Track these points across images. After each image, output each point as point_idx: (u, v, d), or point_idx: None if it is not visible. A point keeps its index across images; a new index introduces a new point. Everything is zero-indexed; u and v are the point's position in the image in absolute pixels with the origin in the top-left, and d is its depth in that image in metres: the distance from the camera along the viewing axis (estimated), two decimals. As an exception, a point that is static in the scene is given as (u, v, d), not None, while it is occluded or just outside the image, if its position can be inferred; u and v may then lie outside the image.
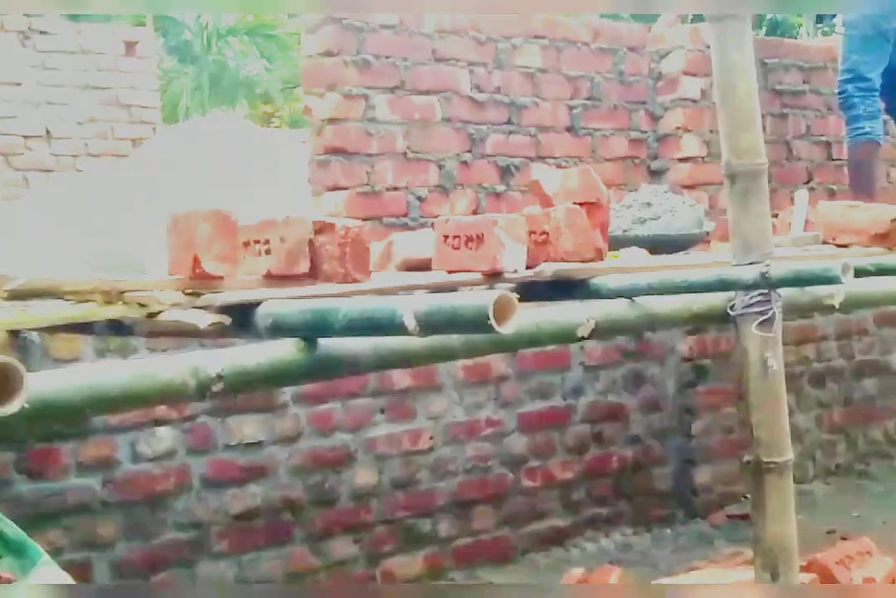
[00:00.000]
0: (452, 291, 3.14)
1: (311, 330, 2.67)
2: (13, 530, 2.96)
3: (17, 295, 2.84)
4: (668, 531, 4.88)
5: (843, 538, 4.35)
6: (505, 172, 4.76)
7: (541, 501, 4.64)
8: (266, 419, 3.97)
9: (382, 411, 4.26)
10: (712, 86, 3.47)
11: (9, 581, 2.81)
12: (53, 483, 3.52)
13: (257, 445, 3.94)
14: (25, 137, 8.35)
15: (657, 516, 4.96)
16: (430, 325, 2.46)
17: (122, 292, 2.87)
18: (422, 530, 4.31)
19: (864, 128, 5.02)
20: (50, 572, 2.83)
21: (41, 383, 2.08)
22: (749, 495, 3.42)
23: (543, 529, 4.63)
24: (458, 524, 4.40)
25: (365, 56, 4.41)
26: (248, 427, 3.92)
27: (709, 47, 3.53)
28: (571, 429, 4.76)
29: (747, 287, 3.27)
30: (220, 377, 2.52)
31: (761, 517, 3.31)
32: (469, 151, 4.67)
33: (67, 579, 2.82)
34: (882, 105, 5.22)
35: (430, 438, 4.36)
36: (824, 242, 4.10)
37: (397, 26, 4.50)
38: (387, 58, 4.46)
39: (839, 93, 5.11)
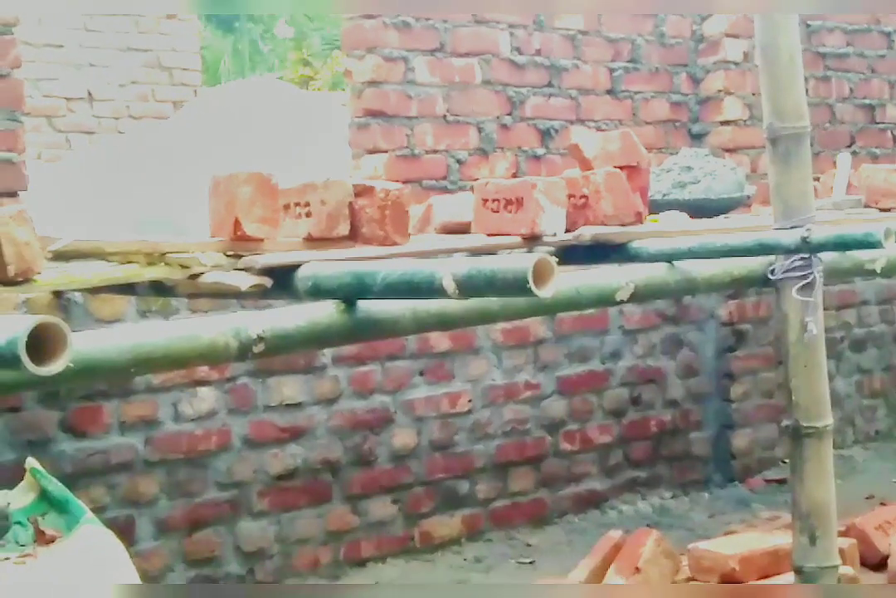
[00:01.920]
0: (491, 254, 3.16)
1: (350, 292, 2.69)
2: (57, 487, 3.02)
3: (61, 256, 2.87)
4: (706, 494, 4.91)
5: (883, 504, 4.34)
6: (545, 135, 4.75)
7: (578, 464, 4.67)
8: (306, 380, 4.01)
9: (421, 373, 4.29)
10: (754, 48, 3.45)
11: (53, 538, 2.87)
12: (96, 442, 3.56)
13: (297, 406, 3.98)
14: (67, 99, 8.39)
15: (694, 479, 4.98)
16: (468, 288, 2.48)
17: (164, 254, 2.90)
18: (460, 491, 4.34)
19: None
20: (93, 528, 2.89)
21: (85, 343, 2.11)
22: (787, 460, 3.43)
23: (581, 491, 4.66)
24: (495, 485, 4.43)
25: (405, 18, 4.41)
26: (287, 388, 3.96)
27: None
28: (609, 392, 4.78)
29: (788, 251, 3.26)
30: (260, 339, 2.55)
31: (800, 481, 3.31)
32: (509, 114, 4.67)
33: (110, 535, 2.87)
34: None
35: (469, 400, 4.39)
36: (866, 206, 4.08)
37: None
38: (427, 19, 4.45)
39: None
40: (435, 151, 4.46)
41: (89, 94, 8.51)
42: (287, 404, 3.95)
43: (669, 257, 3.30)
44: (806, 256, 3.26)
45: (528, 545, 4.33)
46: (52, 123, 8.19)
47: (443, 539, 4.27)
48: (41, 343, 1.87)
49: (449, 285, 2.48)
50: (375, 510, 4.13)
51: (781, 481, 4.81)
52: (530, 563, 4.13)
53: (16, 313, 2.68)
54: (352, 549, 4.06)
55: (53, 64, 8.31)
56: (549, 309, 3.48)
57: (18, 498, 2.98)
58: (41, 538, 2.85)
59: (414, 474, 4.23)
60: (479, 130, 4.58)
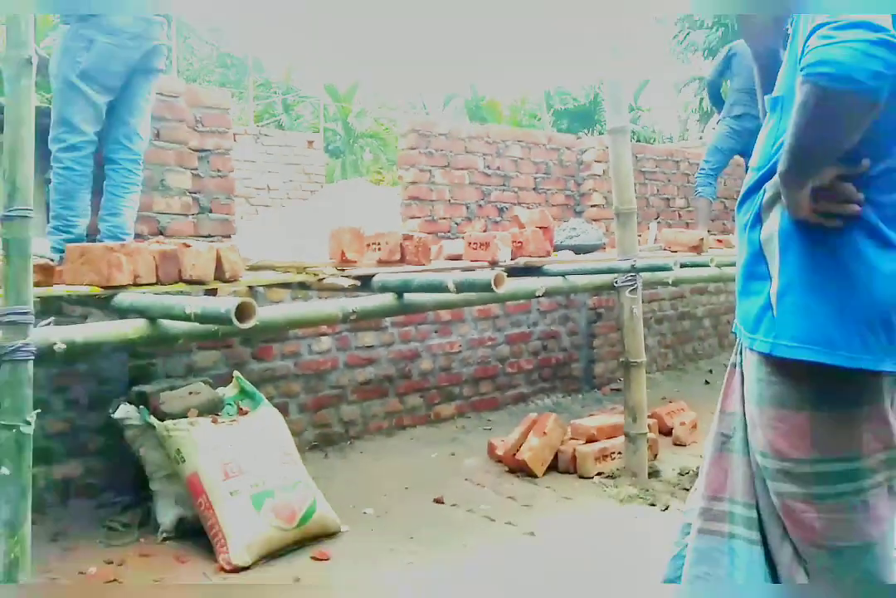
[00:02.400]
0: (472, 270, 3.18)
1: (400, 289, 2.72)
2: (248, 385, 3.04)
3: (253, 268, 2.90)
4: (580, 396, 4.91)
5: (670, 402, 4.37)
6: (500, 211, 4.75)
7: (515, 379, 4.67)
8: (377, 334, 4.01)
9: (436, 331, 4.30)
10: (609, 168, 3.48)
11: (246, 412, 2.88)
12: (269, 364, 3.58)
13: (371, 347, 3.99)
14: (257, 188, 8.42)
15: (574, 388, 4.98)
16: (461, 287, 2.51)
17: (306, 267, 2.92)
18: (454, 392, 4.35)
19: (699, 190, 4.98)
20: (267, 408, 2.91)
21: (264, 313, 2.14)
22: (622, 379, 3.45)
23: (515, 393, 4.66)
24: (472, 389, 4.45)
25: (430, 149, 4.42)
26: (367, 338, 3.97)
27: (607, 147, 3.53)
28: (532, 343, 4.78)
29: (624, 272, 3.29)
30: (354, 312, 2.58)
31: (628, 390, 3.34)
32: (482, 200, 4.66)
33: (276, 411, 2.89)
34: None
35: (459, 346, 4.41)
36: (664, 249, 4.10)
37: (448, 134, 4.50)
38: (441, 150, 4.46)
39: (698, 175, 5.04)
40: (444, 218, 4.46)
41: (267, 186, 8.53)
42: (366, 346, 3.97)
43: (563, 274, 3.33)
44: (633, 274, 3.29)
45: (489, 420, 4.34)
46: (249, 201, 8.22)
47: (446, 417, 4.28)
48: (243, 312, 1.91)
49: (451, 286, 2.51)
50: (411, 401, 4.15)
51: (618, 390, 4.83)
52: (489, 429, 4.14)
53: (229, 296, 2.70)
54: (398, 421, 4.07)
55: (250, 171, 8.34)
56: (502, 299, 3.51)
57: (229, 392, 3.02)
58: (241, 412, 2.87)
59: (431, 383, 4.25)
60: (467, 207, 4.57)
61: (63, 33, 2.84)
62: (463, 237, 3.55)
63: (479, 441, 3.77)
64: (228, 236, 3.49)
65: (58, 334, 1.93)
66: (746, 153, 4.89)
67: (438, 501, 3.00)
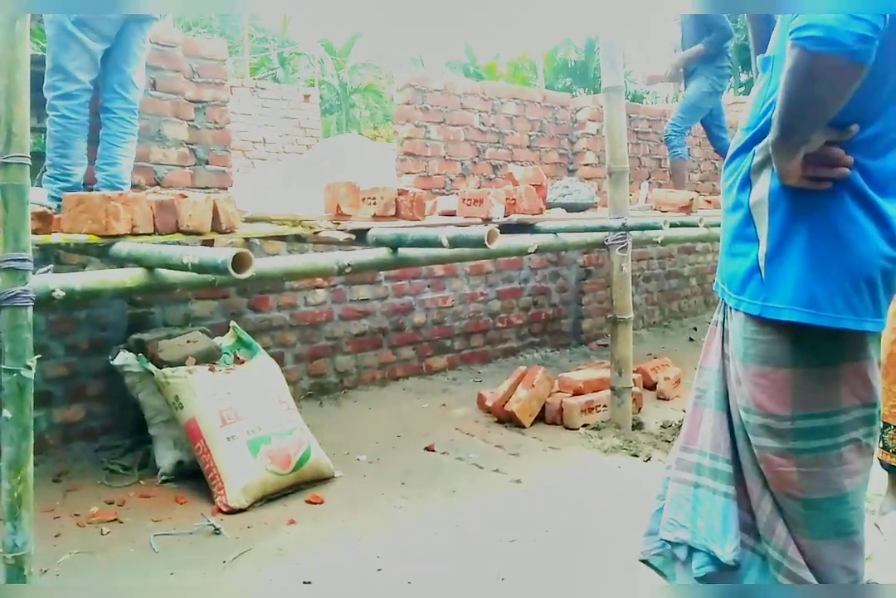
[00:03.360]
0: (466, 226, 3.15)
1: (394, 244, 2.69)
2: (245, 336, 3.03)
3: (249, 219, 2.86)
4: (567, 351, 4.94)
5: (655, 358, 4.40)
6: (495, 168, 4.68)
7: (505, 334, 4.69)
8: (371, 287, 4.01)
9: (429, 286, 4.29)
10: (603, 127, 3.42)
11: (243, 361, 2.88)
12: (265, 314, 3.58)
13: (366, 300, 3.99)
14: (253, 142, 8.25)
15: (562, 343, 5.01)
16: (454, 243, 2.49)
17: (301, 220, 2.88)
18: (446, 345, 4.37)
19: (677, 152, 4.89)
20: (263, 357, 2.91)
21: (260, 264, 2.12)
22: (609, 335, 3.46)
23: (506, 347, 4.68)
24: (464, 342, 4.47)
25: (426, 105, 4.32)
26: (361, 291, 3.96)
27: (601, 107, 3.47)
28: (522, 299, 4.79)
29: (615, 230, 3.26)
30: (349, 265, 2.55)
31: (615, 345, 3.36)
32: (477, 156, 4.59)
33: (272, 361, 2.90)
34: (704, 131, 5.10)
35: (452, 300, 4.41)
36: (655, 209, 4.07)
37: (443, 89, 4.40)
38: (436, 106, 4.37)
39: (666, 135, 4.92)
40: (439, 174, 4.40)
41: (263, 140, 8.36)
42: (361, 299, 3.97)
43: (555, 231, 3.30)
44: (623, 233, 3.27)
45: (479, 373, 4.37)
46: (245, 154, 8.06)
47: (437, 369, 4.31)
48: (239, 263, 1.89)
49: (445, 241, 2.48)
50: (404, 353, 4.17)
51: (605, 345, 4.86)
52: (479, 382, 4.17)
53: (226, 247, 2.67)
54: (391, 372, 4.10)
55: (246, 124, 8.16)
56: (495, 255, 3.47)
57: (226, 341, 3.01)
58: (237, 361, 2.88)
59: (423, 336, 4.26)
60: (461, 163, 4.51)
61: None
62: (457, 194, 3.50)
63: (469, 393, 3.80)
64: (225, 188, 3.44)
65: (56, 282, 1.90)
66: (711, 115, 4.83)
67: (429, 448, 3.04)
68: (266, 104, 8.46)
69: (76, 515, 2.35)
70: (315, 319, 3.75)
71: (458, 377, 4.23)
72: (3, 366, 1.80)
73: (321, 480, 2.65)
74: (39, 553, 1.80)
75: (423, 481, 2.71)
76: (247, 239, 3.17)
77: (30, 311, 1.82)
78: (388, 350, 4.08)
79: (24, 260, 1.81)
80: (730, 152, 1.34)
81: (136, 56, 2.94)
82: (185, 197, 2.44)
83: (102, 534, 2.24)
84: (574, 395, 3.47)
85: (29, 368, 1.81)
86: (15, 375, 1.79)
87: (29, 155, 1.82)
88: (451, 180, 4.45)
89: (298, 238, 2.93)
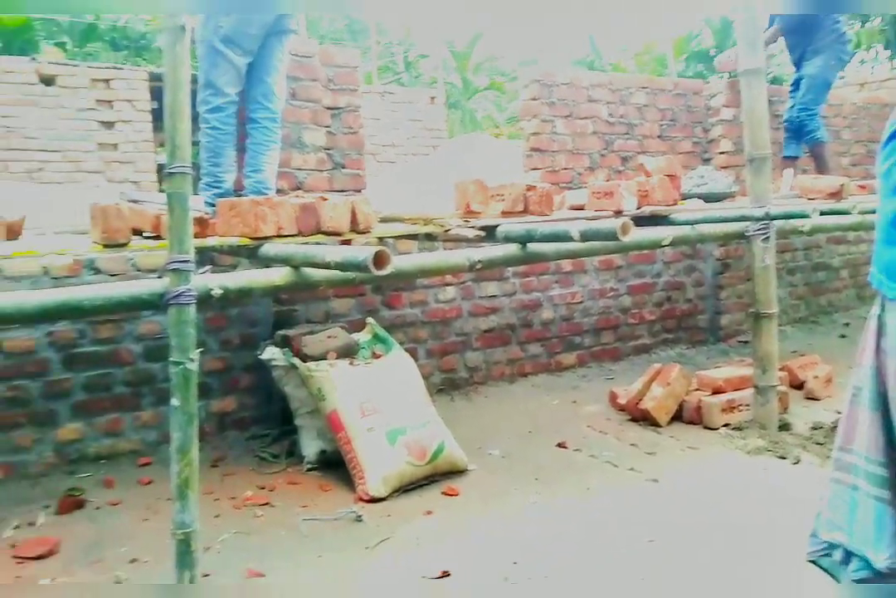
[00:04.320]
0: (596, 220, 3.09)
1: (524, 239, 2.69)
2: (381, 331, 3.13)
3: (382, 220, 2.96)
4: (705, 348, 4.74)
5: (802, 355, 4.14)
6: (624, 160, 4.56)
7: (637, 330, 4.56)
8: (499, 284, 4.02)
9: (557, 281, 4.25)
10: (740, 113, 3.25)
11: (379, 356, 2.99)
12: (398, 311, 3.68)
13: (494, 297, 4.00)
14: (382, 145, 8.51)
15: (699, 340, 4.80)
16: (585, 236, 2.45)
17: (432, 219, 2.94)
18: (575, 341, 4.31)
19: (815, 135, 4.58)
20: (399, 352, 3.00)
21: (397, 261, 2.18)
22: (751, 331, 3.29)
23: (638, 344, 4.56)
24: (594, 339, 4.38)
25: (553, 99, 4.29)
26: (490, 287, 3.99)
27: (738, 92, 3.30)
28: (655, 294, 4.63)
29: (757, 220, 3.10)
30: (479, 261, 2.58)
31: (758, 341, 3.19)
32: (605, 149, 4.49)
33: (407, 356, 2.98)
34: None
35: (581, 296, 4.34)
36: (800, 197, 3.82)
37: (570, 83, 4.35)
38: (563, 100, 4.32)
39: (798, 120, 4.66)
40: (566, 169, 4.35)
41: (392, 143, 8.60)
42: (490, 296, 3.99)
43: (691, 222, 3.18)
44: (766, 223, 3.10)
45: (610, 370, 4.28)
46: (375, 157, 8.32)
47: (567, 366, 4.26)
48: (379, 260, 1.96)
49: (576, 236, 2.46)
50: (532, 349, 4.15)
51: (746, 342, 4.63)
52: (611, 379, 4.09)
53: (364, 245, 2.78)
54: (520, 368, 4.10)
55: (375, 128, 8.42)
56: (626, 248, 3.40)
57: (363, 337, 3.13)
58: (374, 356, 2.98)
59: (552, 332, 4.23)
60: (589, 157, 4.43)
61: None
62: (586, 187, 3.45)
63: (601, 390, 3.74)
64: (359, 191, 3.57)
65: (215, 281, 2.06)
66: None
67: (561, 445, 3.02)
68: (393, 108, 8.71)
69: (232, 498, 2.53)
70: (445, 315, 3.82)
71: (587, 374, 4.16)
72: (170, 359, 1.97)
73: (455, 472, 2.70)
74: (202, 532, 1.96)
75: (557, 477, 2.69)
76: (381, 238, 3.29)
77: (193, 308, 1.98)
78: (516, 346, 4.08)
79: (187, 261, 1.98)
80: (885, 134, 1.24)
81: (276, 68, 3.11)
82: (326, 200, 2.56)
83: (256, 516, 2.40)
84: (713, 393, 3.33)
85: (192, 360, 1.97)
86: (181, 367, 1.96)
87: (190, 165, 1.99)
88: (579, 174, 4.38)
89: (429, 237, 3.00)
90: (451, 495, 2.54)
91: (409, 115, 8.84)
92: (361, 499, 2.50)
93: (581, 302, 4.33)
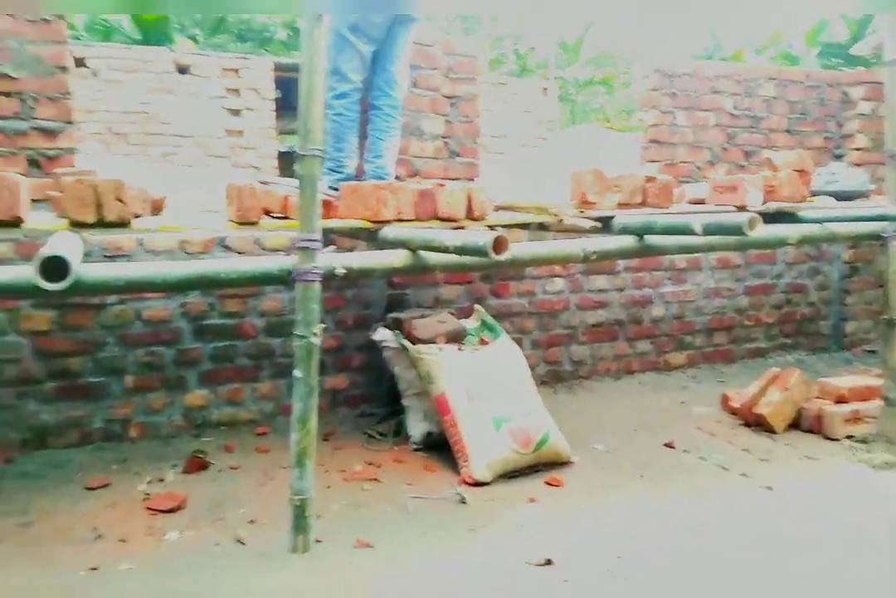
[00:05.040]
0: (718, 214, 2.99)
1: (642, 231, 2.64)
2: (489, 318, 3.16)
3: (498, 208, 2.97)
4: (826, 355, 4.49)
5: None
6: (748, 155, 4.37)
7: (753, 333, 4.38)
8: (609, 278, 3.96)
9: (670, 278, 4.15)
10: (880, 107, 3.03)
11: (487, 342, 3.01)
12: (505, 301, 3.70)
13: (604, 290, 3.95)
14: (493, 136, 8.51)
15: (820, 346, 4.56)
16: (708, 230, 2.38)
17: (546, 208, 2.93)
18: (686, 341, 4.19)
19: None
20: (505, 340, 3.01)
21: (513, 249, 2.19)
22: (881, 339, 3.09)
23: (752, 347, 4.38)
24: (706, 339, 4.25)
25: (674, 90, 4.16)
26: (599, 281, 3.94)
27: (880, 83, 3.08)
28: (774, 296, 4.43)
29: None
30: (594, 252, 2.56)
31: (889, 351, 2.99)
32: (727, 142, 4.32)
33: (514, 344, 2.99)
34: None
35: (694, 294, 4.21)
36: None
37: (693, 73, 4.21)
38: (685, 91, 4.18)
39: None
40: (685, 162, 4.22)
41: (504, 134, 8.59)
42: (599, 290, 3.94)
43: (822, 221, 3.01)
44: (910, 222, 2.89)
45: (722, 373, 4.14)
46: (486, 149, 8.33)
47: (676, 365, 4.15)
48: (497, 246, 1.98)
49: (698, 229, 2.39)
50: (640, 347, 4.07)
51: (873, 351, 4.34)
52: (722, 382, 3.95)
53: (479, 230, 2.80)
54: (627, 365, 4.03)
55: (487, 118, 8.43)
56: (749, 245, 3.25)
57: (470, 324, 3.17)
58: (481, 342, 3.01)
59: (662, 330, 4.13)
60: (710, 150, 4.28)
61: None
62: (706, 181, 3.33)
63: (711, 392, 3.62)
64: (472, 179, 3.60)
65: (339, 260, 2.15)
66: None
67: (669, 445, 2.95)
68: (505, 99, 8.69)
69: (342, 471, 2.63)
70: (553, 307, 3.80)
71: (697, 375, 4.04)
72: (295, 333, 2.07)
73: (559, 463, 2.69)
74: (314, 500, 2.05)
75: (663, 476, 2.63)
76: (490, 227, 3.31)
77: (318, 285, 2.07)
78: (624, 342, 4.01)
79: (315, 240, 2.07)
80: None
81: (400, 56, 3.18)
82: (444, 186, 2.60)
83: (364, 490, 2.48)
84: (836, 402, 3.15)
85: (315, 335, 2.07)
86: (305, 340, 2.06)
87: (321, 147, 2.07)
88: (699, 168, 4.24)
89: (542, 226, 2.98)
90: (555, 485, 2.54)
91: (521, 106, 8.80)
92: (465, 482, 2.53)
93: (694, 301, 4.20)
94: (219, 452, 2.81)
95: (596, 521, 2.25)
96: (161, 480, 2.56)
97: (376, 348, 3.06)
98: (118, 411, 2.91)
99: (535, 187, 4.73)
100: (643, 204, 3.01)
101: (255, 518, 2.26)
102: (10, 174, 2.00)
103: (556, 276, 3.81)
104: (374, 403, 3.27)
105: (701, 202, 3.28)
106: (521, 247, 2.57)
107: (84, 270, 1.77)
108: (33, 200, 2.16)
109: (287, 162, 7.09)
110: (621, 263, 3.95)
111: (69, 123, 2.79)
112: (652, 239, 2.69)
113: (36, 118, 2.73)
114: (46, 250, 1.63)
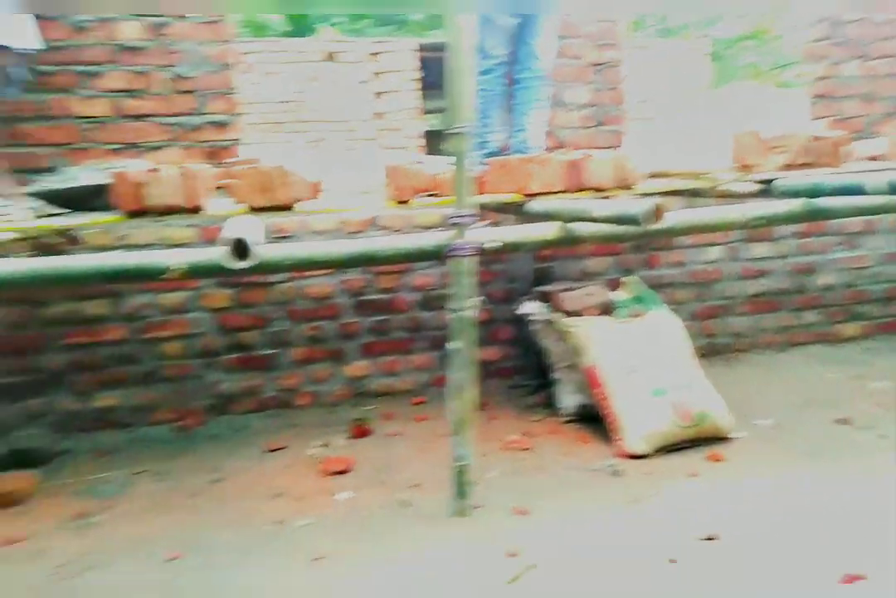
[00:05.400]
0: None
1: (810, 194, 2.47)
2: (644, 289, 3.07)
3: (651, 175, 2.88)
4: None
5: None
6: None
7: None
8: (771, 245, 3.71)
9: (840, 243, 3.83)
10: None
11: (638, 314, 2.94)
12: (657, 271, 3.54)
13: (765, 258, 3.70)
14: (639, 101, 8.12)
15: None
16: (893, 189, 2.18)
17: (700, 174, 2.81)
18: (859, 310, 3.84)
19: None
20: (662, 311, 2.92)
21: (670, 216, 2.12)
22: None
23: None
24: (882, 309, 3.87)
25: (842, 39, 3.80)
26: (759, 248, 3.70)
27: None
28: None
29: None
30: (758, 219, 2.43)
31: None
32: (907, 92, 3.90)
33: (671, 315, 2.90)
34: None
35: (869, 260, 3.86)
36: None
37: (861, 19, 3.82)
38: (854, 39, 3.81)
39: None
40: (856, 117, 3.86)
41: (651, 99, 8.20)
42: (759, 258, 3.72)
43: None
44: None
45: (901, 345, 3.77)
46: (631, 114, 8.01)
47: (848, 337, 3.84)
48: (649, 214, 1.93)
49: (877, 188, 2.19)
50: (807, 317, 3.79)
51: None
52: (901, 354, 3.61)
53: (633, 198, 2.73)
54: (792, 337, 3.76)
55: (630, 82, 8.08)
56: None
57: (621, 295, 3.10)
58: (633, 314, 2.95)
59: (831, 300, 3.83)
60: (886, 102, 3.88)
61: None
62: (881, 136, 3.03)
63: (890, 366, 3.33)
64: (618, 147, 3.50)
65: (491, 234, 2.19)
66: None
67: (843, 421, 2.76)
68: (651, 62, 8.29)
69: (498, 440, 2.70)
70: (708, 277, 3.64)
71: (873, 348, 3.72)
72: (450, 307, 2.14)
73: (720, 438, 2.60)
74: (473, 467, 2.12)
75: (835, 454, 2.47)
76: (642, 195, 3.21)
77: (471, 260, 2.13)
78: (788, 313, 3.77)
79: (468, 216, 2.12)
80: None
81: (542, 28, 3.13)
82: (591, 156, 2.56)
83: (519, 460, 2.54)
84: None
85: (470, 308, 2.13)
86: (459, 314, 2.12)
87: (470, 124, 2.11)
88: (872, 123, 3.86)
89: (695, 193, 2.86)
90: (717, 460, 2.46)
91: (668, 68, 8.35)
92: (620, 454, 2.52)
93: (869, 267, 3.86)
94: (379, 420, 2.98)
95: (761, 498, 2.17)
96: (328, 445, 2.75)
97: (524, 322, 3.09)
98: (287, 381, 3.16)
99: (689, 152, 4.52)
100: (810, 165, 2.80)
101: (418, 483, 2.38)
102: (193, 165, 2.20)
103: (711, 244, 3.63)
104: (525, 375, 3.31)
105: (876, 159, 3.00)
106: (676, 215, 2.48)
107: (262, 251, 1.92)
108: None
109: (432, 140, 7.22)
110: (784, 229, 3.69)
111: (236, 115, 3.01)
112: (822, 202, 2.51)
113: (208, 113, 2.97)
114: (234, 233, 1.79)
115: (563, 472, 2.42)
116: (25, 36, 2.54)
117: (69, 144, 2.85)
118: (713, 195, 2.89)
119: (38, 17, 2.68)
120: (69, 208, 2.32)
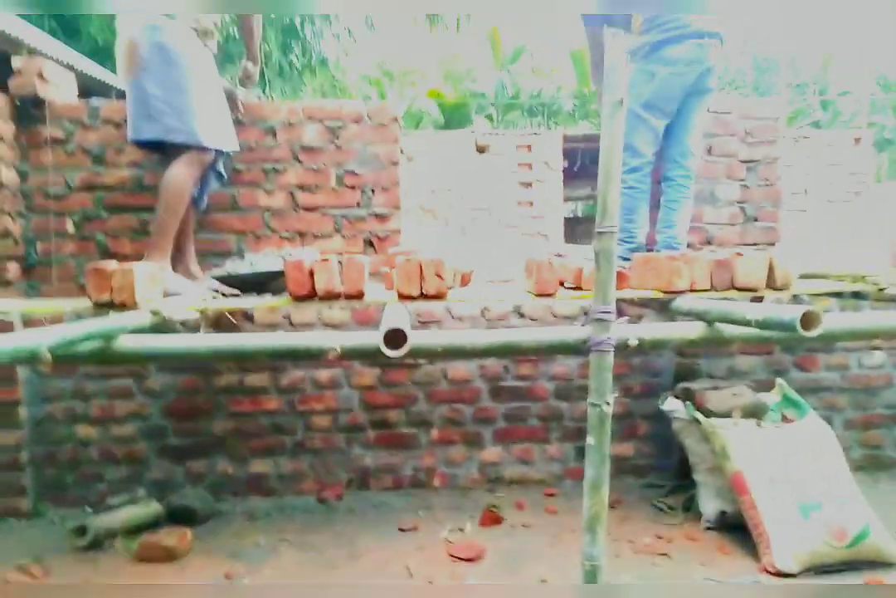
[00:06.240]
0: None
1: None
2: (793, 394, 2.94)
3: (803, 276, 2.80)
4: None
5: None
6: None
7: None
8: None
9: None
10: None
11: (790, 421, 2.80)
12: (811, 374, 3.37)
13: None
14: (793, 193, 7.92)
15: None
16: None
17: (864, 276, 2.70)
18: None
19: None
20: (814, 419, 2.77)
21: (826, 321, 2.07)
22: None
23: None
24: None
25: None
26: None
27: None
28: None
29: None
30: None
31: None
32: None
33: (825, 425, 2.73)
34: None
35: None
36: None
37: None
38: None
39: None
40: None
41: (805, 190, 7.95)
42: None
43: None
44: None
45: None
46: (785, 206, 7.78)
47: None
48: (807, 321, 1.89)
49: None
50: None
51: None
52: None
53: (783, 303, 2.66)
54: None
55: (787, 175, 7.88)
56: None
57: (771, 398, 2.98)
58: (784, 420, 2.82)
59: None
60: None
61: (629, 71, 3.21)
62: None
63: None
64: (772, 244, 3.45)
65: (633, 331, 2.22)
66: None
67: None
68: (808, 153, 8.08)
69: (630, 541, 2.62)
70: (870, 383, 3.40)
71: None
72: (589, 401, 2.17)
73: (882, 563, 2.38)
74: (605, 568, 2.08)
75: None
76: (795, 296, 3.10)
77: (611, 355, 2.16)
78: None
79: (610, 312, 2.17)
80: None
81: (694, 127, 3.23)
82: (741, 255, 2.55)
83: (654, 565, 2.44)
84: None
85: (608, 404, 2.14)
86: (598, 409, 2.14)
87: (617, 225, 2.20)
88: None
89: (857, 295, 2.75)
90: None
91: (828, 159, 8.09)
92: (766, 570, 2.36)
93: None
94: (510, 508, 2.98)
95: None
96: (461, 529, 2.79)
97: (663, 418, 3.03)
98: (424, 461, 3.25)
99: (847, 248, 4.33)
100: None
101: (548, 578, 2.35)
102: (358, 257, 2.44)
103: (875, 348, 3.41)
104: (662, 474, 3.20)
105: None
106: (834, 319, 2.40)
107: (412, 338, 2.08)
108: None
109: (572, 227, 7.36)
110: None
111: (397, 208, 3.29)
112: None
113: (372, 206, 3.27)
114: (392, 323, 1.96)
115: (701, 583, 2.30)
116: (230, 139, 2.97)
117: (251, 232, 3.24)
118: (876, 299, 2.76)
119: (236, 122, 3.12)
120: (247, 291, 2.62)
